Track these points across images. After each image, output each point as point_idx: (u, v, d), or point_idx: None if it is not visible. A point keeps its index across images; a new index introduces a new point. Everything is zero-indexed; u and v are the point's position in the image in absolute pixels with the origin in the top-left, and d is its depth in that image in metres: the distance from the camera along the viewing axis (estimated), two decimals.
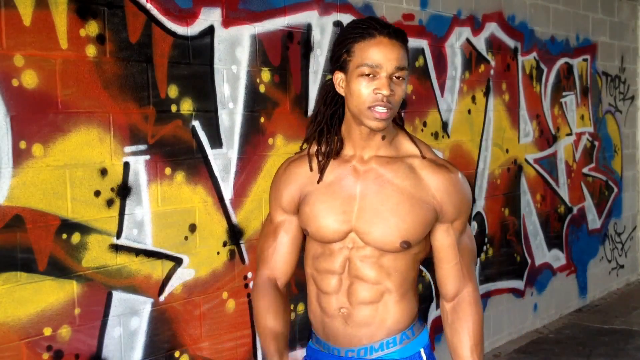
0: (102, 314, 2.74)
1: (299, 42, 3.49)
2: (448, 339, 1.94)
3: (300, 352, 3.51)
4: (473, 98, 4.70)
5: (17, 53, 2.47)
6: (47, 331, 2.57)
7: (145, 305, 2.89)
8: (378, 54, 1.78)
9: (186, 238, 3.03)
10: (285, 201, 1.98)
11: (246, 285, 3.29)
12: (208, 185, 3.12)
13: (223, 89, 3.16)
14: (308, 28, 3.54)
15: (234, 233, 3.23)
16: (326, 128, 1.93)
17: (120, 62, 2.77)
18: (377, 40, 1.79)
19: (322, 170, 1.91)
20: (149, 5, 2.86)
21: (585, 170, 6.10)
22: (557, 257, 5.73)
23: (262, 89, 3.32)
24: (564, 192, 5.79)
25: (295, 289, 3.42)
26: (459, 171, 1.92)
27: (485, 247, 4.85)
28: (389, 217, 1.83)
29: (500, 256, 5.01)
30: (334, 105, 1.92)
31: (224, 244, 3.19)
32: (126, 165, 2.80)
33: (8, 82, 2.45)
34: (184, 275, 3.03)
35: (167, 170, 2.95)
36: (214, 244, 3.15)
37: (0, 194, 2.44)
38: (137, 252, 2.86)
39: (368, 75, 1.78)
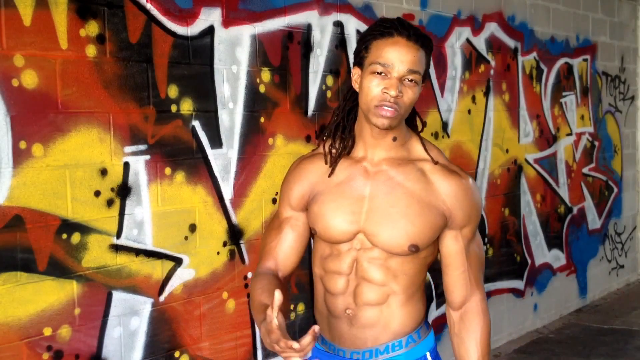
0: (102, 314, 2.74)
1: (299, 42, 3.49)
2: (455, 348, 1.93)
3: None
4: (473, 98, 4.70)
5: (17, 53, 2.47)
6: (47, 331, 2.57)
7: (145, 305, 2.89)
8: (392, 54, 1.77)
9: (186, 238, 3.03)
10: (294, 198, 1.98)
11: (246, 285, 3.29)
12: (208, 185, 3.12)
13: (223, 89, 3.16)
14: (308, 28, 3.54)
15: (234, 233, 3.23)
16: (342, 124, 1.94)
17: (120, 62, 2.77)
18: (393, 40, 1.78)
19: (332, 166, 1.91)
20: (149, 5, 2.86)
21: (585, 170, 6.10)
22: (557, 257, 5.73)
23: (262, 89, 3.32)
24: (564, 192, 5.79)
25: (295, 289, 3.42)
26: (470, 178, 1.90)
27: (485, 247, 4.85)
28: (398, 220, 1.82)
29: (500, 256, 5.01)
30: (352, 102, 1.92)
31: (224, 244, 3.19)
32: (126, 165, 2.80)
33: (8, 82, 2.45)
34: (184, 275, 3.03)
35: (167, 170, 2.95)
36: (214, 244, 3.15)
37: (0, 194, 2.44)
38: (137, 252, 2.86)
39: (380, 73, 1.78)
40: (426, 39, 1.82)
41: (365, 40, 1.83)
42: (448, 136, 4.49)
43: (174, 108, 2.97)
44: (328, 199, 1.89)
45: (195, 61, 3.04)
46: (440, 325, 4.38)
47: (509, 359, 4.83)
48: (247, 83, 3.25)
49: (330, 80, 3.65)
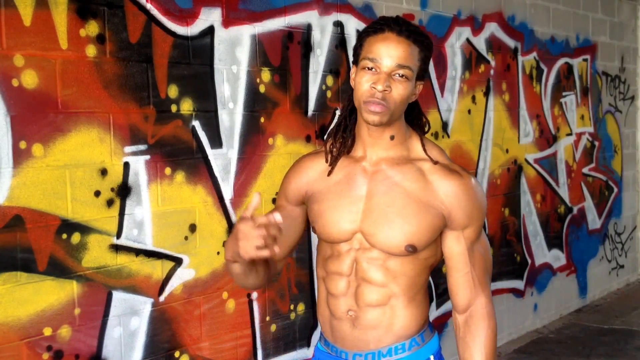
0: (102, 314, 2.74)
1: (299, 42, 3.49)
2: (460, 353, 1.91)
3: (300, 353, 3.52)
4: (473, 98, 4.70)
5: (17, 53, 2.47)
6: (47, 331, 2.57)
7: (145, 305, 2.89)
8: (381, 49, 1.77)
9: (186, 238, 3.03)
10: (290, 192, 2.00)
11: None
12: (208, 185, 3.12)
13: (223, 89, 3.16)
14: (308, 28, 3.54)
15: None
16: (343, 123, 1.94)
17: (120, 62, 2.77)
18: (384, 36, 1.78)
19: (332, 165, 1.92)
20: (149, 5, 2.86)
21: (585, 170, 6.10)
22: (557, 257, 5.73)
23: (262, 89, 3.32)
24: (564, 192, 5.79)
25: (295, 289, 3.42)
26: (472, 178, 1.86)
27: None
28: (395, 219, 1.81)
29: (500, 256, 5.01)
30: (353, 102, 1.91)
31: (224, 244, 3.18)
32: (126, 165, 2.80)
33: (8, 82, 2.45)
34: (184, 275, 3.03)
35: (167, 170, 2.95)
36: (214, 244, 3.15)
37: (0, 194, 2.44)
38: (137, 252, 2.86)
39: (370, 69, 1.78)
40: (421, 36, 1.81)
41: (360, 38, 1.84)
42: (448, 136, 4.49)
43: (174, 108, 2.97)
44: (327, 198, 1.90)
45: (195, 61, 3.04)
46: (440, 325, 4.38)
47: (509, 359, 4.83)
48: (247, 83, 3.25)
49: (330, 80, 3.65)
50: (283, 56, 3.41)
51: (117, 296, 2.79)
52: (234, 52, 3.20)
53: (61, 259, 2.60)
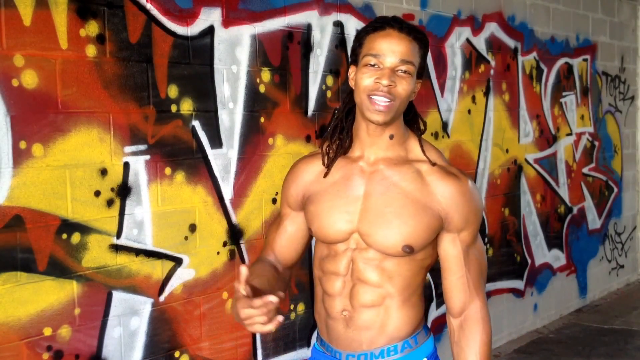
0: (102, 314, 2.74)
1: (299, 42, 3.49)
2: (454, 357, 1.90)
3: (300, 353, 3.52)
4: (473, 98, 4.70)
5: (17, 53, 2.47)
6: (47, 331, 2.57)
7: (145, 305, 2.89)
8: (383, 44, 1.77)
9: (186, 238, 3.03)
10: (290, 197, 2.00)
11: None
12: (208, 185, 3.12)
13: (223, 89, 3.16)
14: (308, 28, 3.54)
15: (234, 233, 3.23)
16: (340, 125, 1.94)
17: (120, 62, 2.77)
18: (385, 32, 1.79)
19: (328, 166, 1.92)
20: (149, 5, 2.86)
21: (585, 170, 6.10)
22: (557, 257, 5.73)
23: (262, 89, 3.32)
24: (564, 192, 5.79)
25: (296, 289, 3.42)
26: (470, 181, 1.86)
27: (485, 247, 4.85)
28: (392, 220, 1.80)
29: (500, 256, 5.01)
30: (351, 102, 1.92)
31: (224, 244, 3.19)
32: (126, 165, 2.80)
33: (8, 82, 2.45)
34: (184, 275, 3.03)
35: (167, 170, 2.95)
36: (214, 244, 3.15)
37: (0, 194, 2.44)
38: (137, 252, 2.86)
39: (373, 65, 1.78)
40: (420, 34, 1.82)
41: (359, 37, 1.85)
42: (448, 136, 4.49)
43: (174, 108, 2.97)
44: (324, 199, 1.90)
45: (195, 61, 3.04)
46: (440, 326, 4.38)
47: (509, 359, 4.83)
48: (247, 83, 3.25)
49: (330, 80, 3.65)
50: (283, 56, 3.41)
51: (117, 296, 2.79)
52: (234, 52, 3.20)
53: (61, 259, 2.60)
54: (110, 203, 2.76)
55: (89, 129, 2.67)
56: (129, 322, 2.84)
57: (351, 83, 1.87)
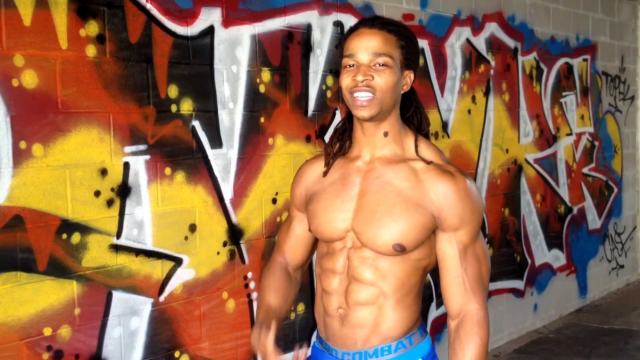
0: (102, 314, 2.74)
1: (299, 42, 3.49)
2: (449, 359, 1.89)
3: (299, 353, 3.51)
4: (473, 98, 4.70)
5: (17, 53, 2.47)
6: (47, 331, 2.57)
7: (145, 305, 2.89)
8: (355, 43, 1.81)
9: (186, 238, 3.03)
10: (296, 198, 2.05)
11: (246, 285, 3.29)
12: (208, 185, 3.12)
13: (223, 89, 3.16)
14: (308, 28, 3.54)
15: (234, 233, 3.23)
16: (342, 127, 1.97)
17: (120, 62, 2.77)
18: (358, 32, 1.83)
19: (327, 166, 1.95)
20: (149, 5, 2.86)
21: (585, 170, 6.10)
22: (557, 257, 5.74)
23: (262, 89, 3.32)
24: (564, 192, 5.79)
25: None
26: (467, 180, 1.83)
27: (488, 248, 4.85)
28: (383, 218, 1.80)
29: (500, 256, 5.01)
30: None
31: (224, 244, 3.19)
32: (126, 165, 2.80)
33: (8, 82, 2.45)
34: (184, 275, 3.03)
35: (167, 170, 2.95)
36: (214, 244, 3.15)
37: (0, 194, 2.44)
38: (137, 252, 2.86)
39: (351, 66, 1.81)
40: (396, 26, 1.83)
41: (340, 44, 1.91)
42: (448, 136, 4.49)
43: (174, 108, 2.97)
44: (322, 198, 1.92)
45: (195, 61, 3.04)
46: (440, 326, 4.38)
47: (509, 359, 4.83)
48: (247, 83, 3.25)
49: (330, 80, 3.65)
50: (283, 56, 3.41)
51: (117, 296, 2.79)
52: (234, 52, 3.20)
53: (61, 259, 2.61)
54: (110, 203, 2.76)
55: (89, 129, 2.67)
56: (129, 322, 2.84)
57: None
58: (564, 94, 5.74)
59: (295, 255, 2.09)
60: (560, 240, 5.77)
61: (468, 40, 4.63)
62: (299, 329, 3.52)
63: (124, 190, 2.80)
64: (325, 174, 1.95)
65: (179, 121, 2.99)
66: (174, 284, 2.99)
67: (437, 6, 4.38)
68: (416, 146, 1.88)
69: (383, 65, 1.79)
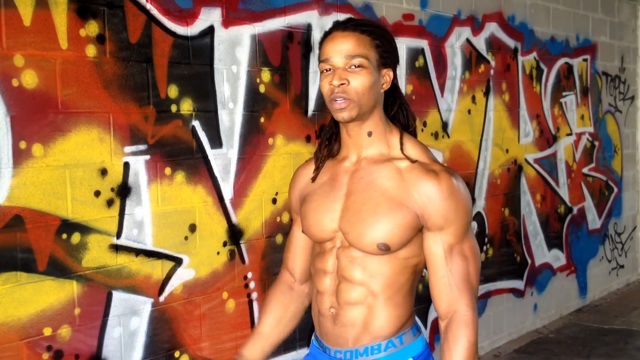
0: (102, 314, 2.74)
1: (299, 42, 3.49)
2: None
3: (300, 353, 3.52)
4: (473, 98, 4.70)
5: (17, 53, 2.47)
6: (47, 331, 2.57)
7: (145, 305, 2.89)
8: (328, 48, 1.82)
9: (186, 238, 3.03)
10: (293, 204, 2.09)
11: (246, 285, 3.29)
12: (208, 185, 3.12)
13: (223, 89, 3.16)
14: (308, 28, 3.54)
15: (234, 233, 3.23)
16: (329, 132, 2.00)
17: (120, 62, 2.77)
18: (331, 36, 1.84)
19: (316, 169, 1.98)
20: (149, 5, 2.86)
21: (585, 170, 6.10)
22: (557, 257, 5.74)
23: (262, 89, 3.32)
24: (564, 192, 5.79)
25: None
26: (453, 179, 1.81)
27: (485, 247, 4.86)
28: (367, 217, 1.82)
29: (500, 256, 5.01)
30: None
31: (224, 244, 3.19)
32: (126, 165, 2.80)
33: (8, 82, 2.45)
34: (184, 275, 3.03)
35: (167, 170, 2.95)
36: (214, 244, 3.15)
37: (0, 194, 2.44)
38: (137, 252, 2.86)
39: (327, 70, 1.83)
40: (370, 26, 1.84)
41: (319, 49, 1.90)
42: (448, 136, 4.49)
43: (174, 108, 2.97)
44: (312, 199, 1.95)
45: (195, 61, 3.04)
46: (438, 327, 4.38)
47: (509, 359, 4.83)
48: (247, 83, 3.25)
49: None
50: (283, 56, 3.41)
51: (117, 296, 2.79)
52: (234, 52, 3.20)
53: (61, 259, 2.61)
54: (110, 203, 2.76)
55: (89, 129, 2.67)
56: (129, 322, 2.84)
57: None
58: (564, 94, 5.74)
59: (299, 265, 2.10)
60: (560, 240, 5.77)
61: (468, 40, 4.63)
62: (298, 329, 3.51)
63: (124, 190, 2.80)
64: (314, 178, 1.98)
65: (179, 121, 2.99)
66: (174, 284, 2.99)
67: (437, 6, 4.38)
68: (401, 144, 1.88)
69: (358, 66, 1.80)
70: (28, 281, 2.51)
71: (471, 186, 4.70)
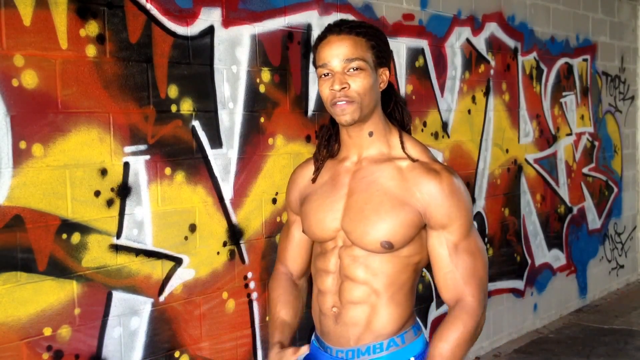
0: (102, 314, 2.74)
1: (299, 42, 3.49)
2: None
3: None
4: (473, 98, 4.70)
5: (17, 53, 2.47)
6: (47, 331, 2.57)
7: (145, 305, 2.89)
8: (326, 52, 1.83)
9: (186, 238, 3.03)
10: (292, 204, 2.08)
11: (246, 285, 3.29)
12: (208, 185, 3.12)
13: (223, 89, 3.16)
14: (308, 28, 3.54)
15: (234, 233, 3.23)
16: (327, 133, 2.01)
17: (120, 62, 2.77)
18: (326, 40, 1.85)
19: (316, 170, 1.99)
20: (149, 5, 2.86)
21: (585, 170, 6.10)
22: (557, 257, 5.74)
23: (262, 89, 3.32)
24: (564, 192, 5.79)
25: None
26: (454, 178, 1.84)
27: (484, 245, 4.85)
28: (370, 216, 1.83)
29: (500, 256, 5.01)
30: None
31: (224, 244, 3.19)
32: (126, 165, 2.80)
33: (8, 82, 2.45)
34: (184, 275, 3.03)
35: (167, 170, 2.95)
36: (214, 244, 3.15)
37: (0, 194, 2.44)
38: (137, 252, 2.86)
39: (326, 75, 1.84)
40: (363, 27, 1.85)
41: (313, 53, 1.91)
42: (448, 136, 4.49)
43: (174, 108, 2.97)
44: (313, 199, 1.96)
45: (195, 61, 3.04)
46: None
47: (509, 359, 4.83)
48: (247, 83, 3.25)
49: None
50: (283, 56, 3.41)
51: (117, 296, 2.79)
52: (234, 52, 3.20)
53: (61, 259, 2.61)
54: (110, 203, 2.76)
55: (89, 129, 2.68)
56: (129, 322, 2.84)
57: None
58: (564, 94, 5.74)
59: (297, 262, 2.11)
60: (560, 240, 5.77)
61: (468, 40, 4.63)
62: (299, 329, 3.51)
63: (124, 190, 2.80)
64: (314, 180, 1.99)
65: (179, 121, 2.99)
66: (174, 284, 2.99)
67: (437, 6, 4.38)
68: (402, 143, 1.90)
69: (357, 69, 1.81)
70: (28, 281, 2.51)
71: (471, 186, 4.70)
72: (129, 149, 2.81)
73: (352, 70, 1.81)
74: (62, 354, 2.62)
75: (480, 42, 4.75)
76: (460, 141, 4.60)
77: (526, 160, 5.30)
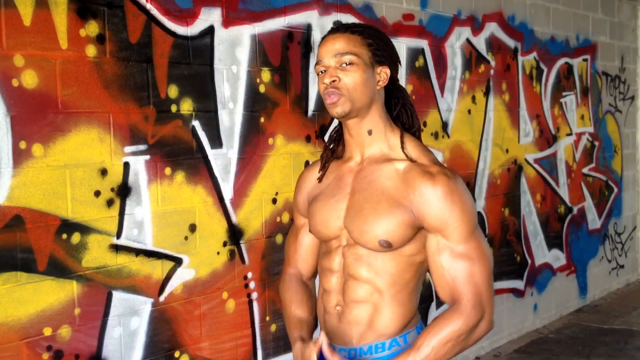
0: (102, 314, 2.74)
1: (299, 42, 3.49)
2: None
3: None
4: (473, 98, 4.70)
5: (17, 53, 2.47)
6: (47, 331, 2.57)
7: (145, 305, 2.89)
8: (322, 50, 1.89)
9: (186, 238, 3.03)
10: (299, 205, 2.11)
11: (246, 285, 3.29)
12: (208, 185, 3.12)
13: (223, 89, 3.16)
14: (308, 28, 3.54)
15: (234, 233, 3.23)
16: (336, 133, 2.05)
17: (120, 62, 2.77)
18: (324, 41, 1.91)
19: (322, 170, 2.02)
20: (149, 5, 2.86)
21: (585, 170, 6.10)
22: (557, 257, 5.73)
23: (262, 89, 3.32)
24: (564, 192, 5.79)
25: None
26: (451, 181, 1.81)
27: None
28: (368, 215, 1.85)
29: (500, 256, 5.01)
30: None
31: (224, 244, 3.19)
32: (126, 165, 2.80)
33: (8, 82, 2.45)
34: (184, 275, 3.03)
35: (167, 170, 2.95)
36: (214, 244, 3.15)
37: (0, 194, 2.44)
38: (137, 252, 2.86)
39: (323, 72, 1.89)
40: (359, 27, 1.90)
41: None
42: (448, 136, 4.49)
43: (174, 108, 2.97)
44: (318, 199, 1.99)
45: (195, 61, 3.04)
46: None
47: (509, 359, 4.83)
48: (247, 83, 3.25)
49: None
50: (283, 56, 3.41)
51: (117, 296, 2.79)
52: (234, 52, 3.20)
53: (61, 259, 2.60)
54: (110, 203, 2.76)
55: (89, 129, 2.67)
56: (129, 322, 2.84)
57: None
58: (564, 94, 5.74)
59: (307, 265, 2.13)
60: (560, 240, 5.77)
61: (468, 40, 4.63)
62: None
63: (124, 190, 2.80)
64: (320, 179, 2.01)
65: (179, 121, 2.99)
66: (174, 284, 2.99)
67: (437, 6, 4.38)
68: (402, 144, 1.90)
69: (349, 64, 1.85)
70: (28, 281, 2.51)
71: (471, 186, 4.70)
72: (129, 149, 2.81)
73: (344, 65, 1.85)
74: (62, 354, 2.62)
75: (480, 42, 4.75)
76: (460, 141, 4.60)
77: (526, 160, 5.30)
